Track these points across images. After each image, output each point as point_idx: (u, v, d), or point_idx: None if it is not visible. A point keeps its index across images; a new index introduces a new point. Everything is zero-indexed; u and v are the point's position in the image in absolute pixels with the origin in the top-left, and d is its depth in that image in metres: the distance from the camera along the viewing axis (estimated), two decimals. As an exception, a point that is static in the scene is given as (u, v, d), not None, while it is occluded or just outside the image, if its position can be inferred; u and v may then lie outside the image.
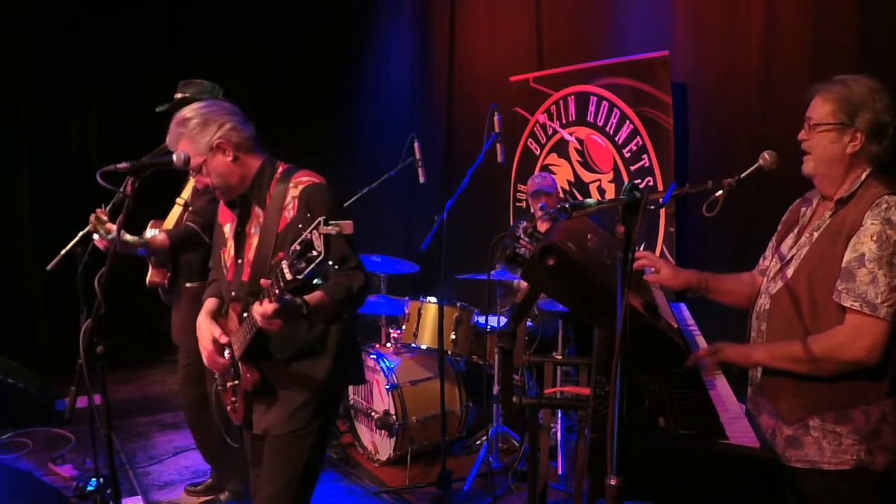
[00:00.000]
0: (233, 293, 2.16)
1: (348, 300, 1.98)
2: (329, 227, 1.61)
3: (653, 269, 2.26)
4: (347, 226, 1.62)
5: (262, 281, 1.84)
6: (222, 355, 2.13)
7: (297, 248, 1.66)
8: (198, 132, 2.07)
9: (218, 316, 2.20)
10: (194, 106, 2.12)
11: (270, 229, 2.05)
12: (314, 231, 1.62)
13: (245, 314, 2.03)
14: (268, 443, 2.15)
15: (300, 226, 1.88)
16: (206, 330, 2.14)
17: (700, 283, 2.21)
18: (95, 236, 2.68)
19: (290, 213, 2.03)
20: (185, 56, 6.13)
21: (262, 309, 1.81)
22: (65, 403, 2.29)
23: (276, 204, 2.06)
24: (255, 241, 2.10)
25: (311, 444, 2.12)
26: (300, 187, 2.05)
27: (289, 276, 1.68)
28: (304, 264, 1.64)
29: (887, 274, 1.71)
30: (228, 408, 2.23)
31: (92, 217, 2.69)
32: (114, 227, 2.70)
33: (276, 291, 1.75)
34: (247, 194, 2.13)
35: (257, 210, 2.12)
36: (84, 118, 6.17)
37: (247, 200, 2.14)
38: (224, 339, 2.10)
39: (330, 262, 1.63)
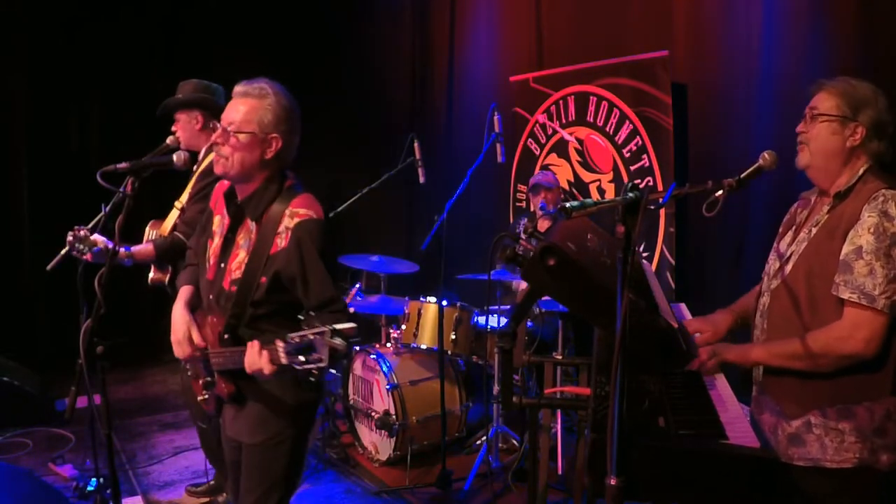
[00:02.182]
0: (210, 296, 2.12)
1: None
2: (336, 342, 1.69)
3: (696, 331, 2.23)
4: (351, 329, 1.72)
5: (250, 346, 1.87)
6: (193, 349, 2.11)
7: (297, 340, 1.74)
8: (274, 110, 1.99)
9: (195, 307, 2.17)
10: (286, 94, 2.05)
11: (261, 251, 2.00)
12: (317, 336, 1.70)
13: (227, 336, 2.01)
14: (244, 451, 2.13)
15: (290, 265, 1.95)
16: (182, 322, 2.10)
17: (735, 319, 2.21)
18: (75, 254, 2.68)
19: (282, 243, 1.98)
20: (185, 56, 6.13)
21: (258, 365, 1.83)
22: (65, 403, 2.29)
23: (270, 225, 2.01)
24: (241, 254, 2.06)
25: (288, 451, 2.10)
26: (296, 220, 1.98)
27: (284, 362, 1.77)
28: (301, 358, 1.73)
29: (885, 266, 1.72)
30: (199, 398, 2.22)
31: (69, 237, 2.68)
32: (100, 239, 2.71)
33: (274, 363, 1.81)
34: (243, 204, 2.07)
35: (250, 223, 2.07)
36: (84, 118, 6.16)
37: (241, 209, 2.09)
38: (202, 344, 2.08)
39: (332, 370, 1.68)
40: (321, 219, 2.02)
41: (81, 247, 2.68)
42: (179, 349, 2.12)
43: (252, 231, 2.06)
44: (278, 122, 2.00)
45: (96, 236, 2.70)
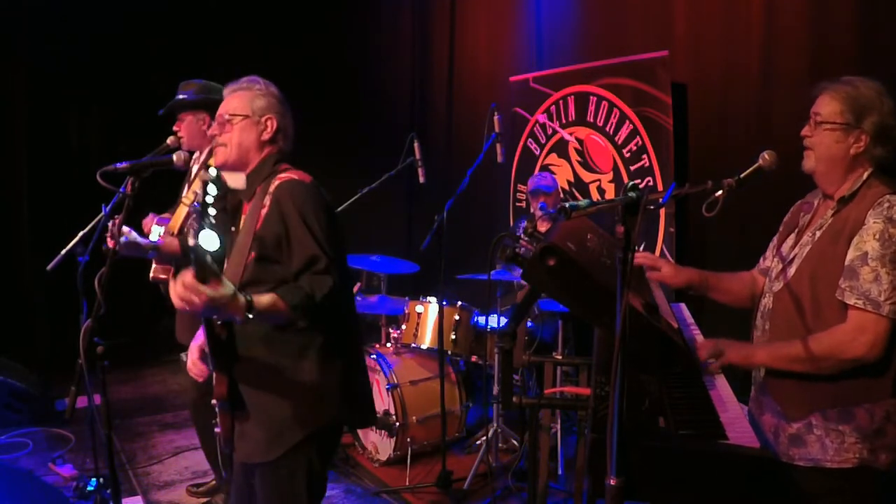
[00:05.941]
0: None
1: (307, 306, 1.80)
2: (204, 173, 1.57)
3: (653, 267, 2.26)
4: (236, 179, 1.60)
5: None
6: (205, 363, 2.05)
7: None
8: (262, 95, 2.07)
9: None
10: (273, 85, 2.13)
11: (249, 228, 1.97)
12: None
13: (219, 322, 1.91)
14: (259, 474, 2.03)
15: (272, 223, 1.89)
16: (195, 345, 2.07)
17: (701, 281, 2.23)
18: (115, 247, 2.68)
19: (265, 211, 1.94)
20: (185, 56, 6.13)
21: (179, 281, 1.57)
22: (65, 403, 2.29)
23: (257, 201, 1.99)
24: (238, 238, 2.04)
25: (303, 470, 1.97)
26: (276, 183, 1.97)
27: (191, 242, 1.52)
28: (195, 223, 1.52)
29: (890, 272, 1.71)
30: (217, 429, 2.09)
31: (112, 226, 2.69)
32: (129, 232, 2.70)
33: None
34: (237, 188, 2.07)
35: (245, 206, 2.07)
36: (84, 118, 6.17)
37: (238, 199, 2.09)
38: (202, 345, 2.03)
39: (210, 210, 1.52)
40: (305, 181, 1.99)
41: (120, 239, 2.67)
42: (192, 363, 2.07)
43: (245, 213, 2.06)
44: (270, 106, 2.08)
45: (125, 228, 2.69)
